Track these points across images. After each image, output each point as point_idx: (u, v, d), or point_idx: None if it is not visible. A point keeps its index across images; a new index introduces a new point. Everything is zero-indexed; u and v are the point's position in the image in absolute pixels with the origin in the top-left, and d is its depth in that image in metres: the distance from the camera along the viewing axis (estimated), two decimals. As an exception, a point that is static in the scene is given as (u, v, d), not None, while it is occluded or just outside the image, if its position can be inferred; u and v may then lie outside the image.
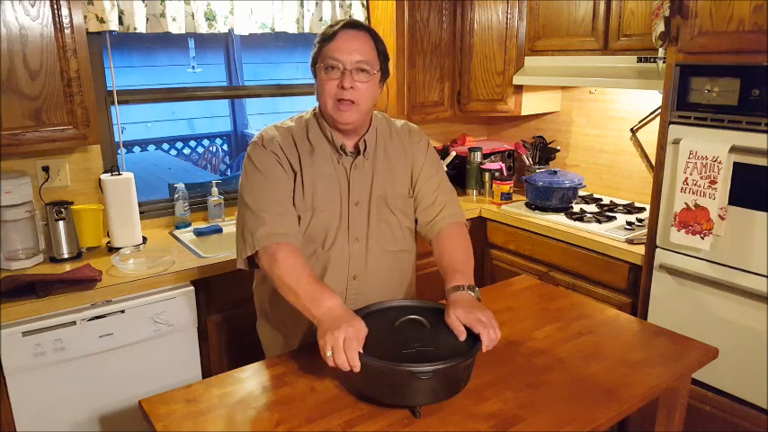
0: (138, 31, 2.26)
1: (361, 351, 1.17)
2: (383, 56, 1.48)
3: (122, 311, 1.92)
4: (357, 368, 1.16)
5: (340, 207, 1.50)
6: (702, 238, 1.88)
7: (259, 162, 1.46)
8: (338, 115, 1.44)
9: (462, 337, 1.25)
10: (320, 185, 1.49)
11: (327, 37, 1.43)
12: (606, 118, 2.85)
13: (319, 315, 1.25)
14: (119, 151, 2.44)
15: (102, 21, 2.17)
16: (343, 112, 1.43)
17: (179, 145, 6.31)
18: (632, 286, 2.21)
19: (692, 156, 1.89)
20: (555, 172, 2.69)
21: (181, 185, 2.53)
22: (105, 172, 2.29)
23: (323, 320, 1.23)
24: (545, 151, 3.00)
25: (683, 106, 1.95)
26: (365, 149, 1.52)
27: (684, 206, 1.92)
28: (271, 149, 1.47)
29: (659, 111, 2.14)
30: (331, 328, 1.19)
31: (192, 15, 2.38)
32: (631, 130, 2.72)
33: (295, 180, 1.48)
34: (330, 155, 1.51)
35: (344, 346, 1.16)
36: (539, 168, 2.91)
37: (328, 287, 1.33)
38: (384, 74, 1.50)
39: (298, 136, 1.51)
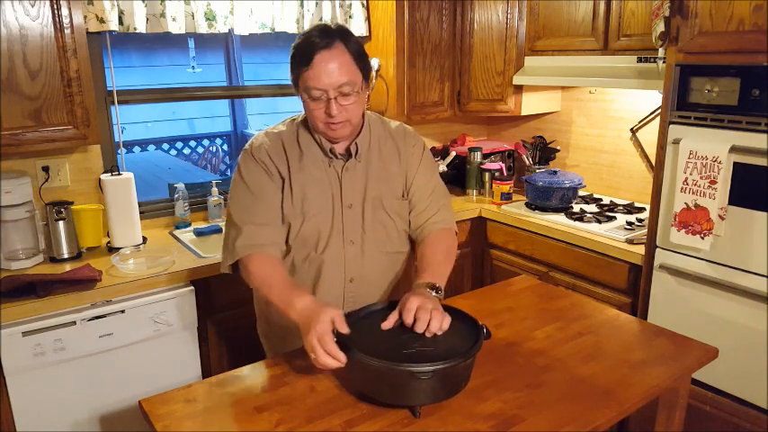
0: (138, 31, 2.26)
1: (345, 331, 1.20)
2: (361, 60, 1.42)
3: (122, 311, 1.92)
4: (342, 360, 1.17)
5: (332, 210, 1.50)
6: (702, 238, 1.88)
7: (245, 172, 1.49)
8: (331, 134, 1.45)
9: (391, 320, 1.27)
10: (310, 191, 1.49)
11: (303, 61, 1.37)
12: (606, 118, 2.85)
13: (296, 319, 1.29)
14: (119, 151, 2.44)
15: (102, 21, 2.17)
16: (335, 131, 1.44)
17: (179, 145, 6.31)
18: (632, 286, 2.21)
19: (692, 156, 1.89)
20: (555, 172, 2.69)
21: (181, 185, 2.53)
22: (105, 172, 2.29)
23: (300, 324, 1.27)
24: (545, 151, 3.00)
25: (683, 106, 1.95)
26: (356, 153, 1.51)
27: (684, 206, 1.92)
28: (259, 158, 1.49)
29: (659, 111, 2.14)
30: (305, 333, 1.22)
31: (192, 15, 2.38)
32: (631, 130, 2.72)
33: (283, 187, 1.49)
34: (320, 158, 1.51)
35: (321, 344, 1.18)
36: (539, 168, 2.91)
37: (298, 288, 1.36)
38: (366, 76, 1.45)
39: (288, 141, 1.52)
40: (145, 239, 2.31)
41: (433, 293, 1.33)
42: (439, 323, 1.23)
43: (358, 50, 1.41)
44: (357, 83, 1.40)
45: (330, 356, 1.17)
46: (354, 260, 1.52)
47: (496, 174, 2.89)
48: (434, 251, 1.51)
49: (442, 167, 2.98)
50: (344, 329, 1.22)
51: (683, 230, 1.93)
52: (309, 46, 1.36)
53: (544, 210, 2.65)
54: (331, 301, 1.48)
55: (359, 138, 1.52)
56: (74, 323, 1.84)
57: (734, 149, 1.81)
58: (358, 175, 1.52)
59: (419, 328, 1.23)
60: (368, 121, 1.56)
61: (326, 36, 1.37)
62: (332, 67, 1.36)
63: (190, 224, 2.54)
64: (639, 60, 2.31)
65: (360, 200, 1.52)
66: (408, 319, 1.24)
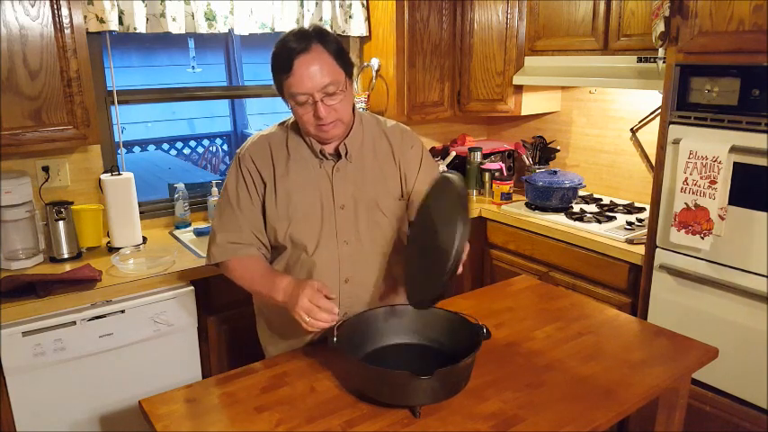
0: (138, 31, 2.26)
1: (332, 296, 1.30)
2: (341, 58, 1.40)
3: (122, 311, 1.92)
4: (335, 310, 1.29)
5: (322, 212, 1.50)
6: (702, 238, 1.88)
7: (230, 180, 1.54)
8: (323, 135, 1.45)
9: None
10: (296, 194, 1.49)
11: (283, 69, 1.36)
12: (606, 118, 2.85)
13: (282, 300, 1.38)
14: (119, 151, 2.44)
15: (102, 21, 2.17)
16: (327, 132, 1.43)
17: (179, 145, 6.31)
18: (632, 286, 2.21)
19: (692, 156, 1.89)
20: (555, 172, 2.69)
21: (181, 185, 2.53)
22: (105, 172, 2.29)
23: (287, 303, 1.36)
24: (545, 151, 3.00)
25: (683, 106, 1.95)
26: (346, 153, 1.50)
27: (684, 206, 1.92)
28: (244, 164, 1.52)
29: (659, 111, 2.14)
30: (295, 304, 1.31)
31: (192, 15, 2.38)
32: (631, 130, 2.72)
33: (266, 191, 1.50)
34: (310, 160, 1.51)
35: (314, 302, 1.28)
36: (539, 168, 2.91)
37: (277, 272, 1.47)
38: (349, 73, 1.43)
39: (275, 144, 1.53)
40: (145, 239, 2.31)
41: None
42: None
43: (337, 49, 1.40)
44: (341, 81, 1.39)
45: (324, 311, 1.28)
46: (349, 261, 1.51)
47: (496, 174, 2.89)
48: None
49: (442, 167, 2.98)
50: (331, 294, 1.32)
51: (683, 230, 1.93)
52: (287, 53, 1.35)
53: (544, 210, 2.65)
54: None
55: (348, 138, 1.50)
56: (74, 323, 1.84)
57: (734, 149, 1.81)
58: (350, 175, 1.51)
59: None
60: (360, 120, 1.55)
61: (303, 39, 1.36)
62: (313, 71, 1.35)
63: (190, 224, 2.54)
64: (639, 60, 2.31)
65: (352, 200, 1.51)
66: None
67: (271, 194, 1.50)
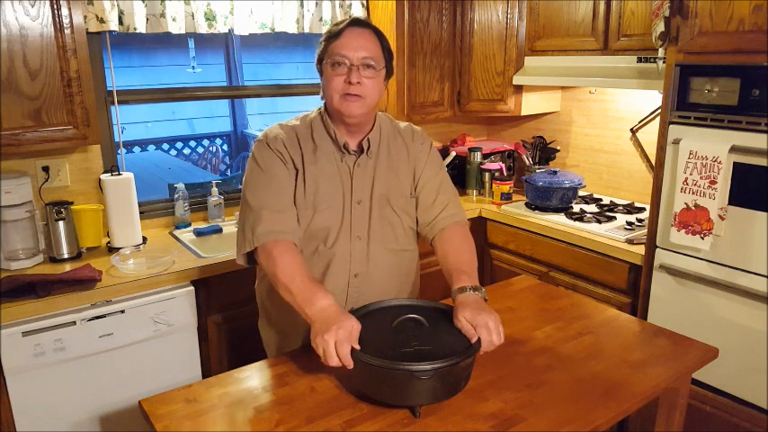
0: (138, 32, 2.26)
1: (357, 347, 1.18)
2: (388, 53, 1.50)
3: (122, 311, 1.92)
4: (350, 366, 1.17)
5: (342, 205, 1.51)
6: (702, 238, 1.88)
7: (261, 160, 1.48)
8: (345, 107, 1.45)
9: (474, 339, 1.24)
10: (322, 184, 1.50)
11: (333, 34, 1.45)
12: (606, 118, 2.85)
13: (312, 315, 1.26)
14: (119, 151, 2.44)
15: (102, 21, 2.17)
16: (350, 104, 1.44)
17: (179, 145, 6.31)
18: (632, 286, 2.21)
19: (691, 156, 1.89)
20: (555, 172, 2.69)
21: (181, 185, 2.53)
22: (105, 172, 2.29)
23: (315, 321, 1.24)
24: (545, 151, 3.00)
25: (683, 106, 1.95)
26: (368, 148, 1.53)
27: (684, 206, 1.92)
28: (275, 147, 1.49)
29: (659, 111, 2.14)
30: (322, 331, 1.19)
31: (192, 15, 2.38)
32: (631, 130, 2.72)
33: (296, 178, 1.50)
34: (333, 153, 1.52)
35: (336, 349, 1.17)
36: (539, 168, 2.91)
37: (322, 286, 1.34)
38: (389, 71, 1.52)
39: (302, 134, 1.53)
40: (145, 239, 2.31)
41: (478, 294, 1.35)
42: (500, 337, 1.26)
43: (387, 46, 1.51)
44: (380, 61, 1.47)
45: (340, 361, 1.17)
46: (360, 256, 1.53)
47: (496, 174, 2.89)
48: (458, 249, 1.52)
49: (442, 167, 2.98)
50: (356, 347, 1.19)
51: (683, 230, 1.93)
52: (342, 23, 1.47)
53: (544, 210, 2.65)
54: (335, 295, 1.47)
55: (371, 134, 1.54)
56: (74, 323, 1.84)
57: (734, 149, 1.81)
58: (368, 171, 1.54)
59: (487, 346, 1.24)
60: (379, 120, 1.59)
61: (361, 21, 1.49)
62: (360, 41, 1.44)
63: (190, 224, 2.54)
64: (639, 60, 2.31)
65: (368, 196, 1.53)
66: (489, 336, 1.24)
67: (300, 181, 1.49)
